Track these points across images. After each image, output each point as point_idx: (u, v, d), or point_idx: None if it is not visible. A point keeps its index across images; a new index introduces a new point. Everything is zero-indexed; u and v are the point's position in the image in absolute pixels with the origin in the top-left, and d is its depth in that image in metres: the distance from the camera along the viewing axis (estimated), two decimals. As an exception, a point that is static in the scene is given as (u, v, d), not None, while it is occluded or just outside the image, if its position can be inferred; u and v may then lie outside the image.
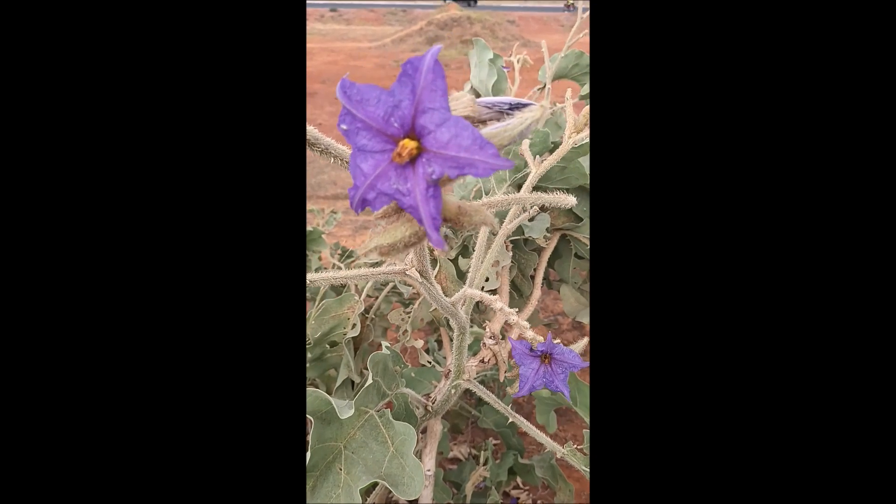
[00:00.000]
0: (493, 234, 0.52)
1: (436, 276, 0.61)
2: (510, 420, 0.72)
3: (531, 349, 0.30)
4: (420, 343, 0.64)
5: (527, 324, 0.30)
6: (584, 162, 0.58)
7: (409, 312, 0.67)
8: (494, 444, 1.01)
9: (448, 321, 0.61)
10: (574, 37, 0.69)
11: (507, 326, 0.62)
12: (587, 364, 0.31)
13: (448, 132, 0.14)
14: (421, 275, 0.31)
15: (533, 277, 0.63)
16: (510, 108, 0.18)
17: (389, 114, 0.15)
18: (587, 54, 0.76)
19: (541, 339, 0.30)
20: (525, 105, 0.18)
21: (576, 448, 0.43)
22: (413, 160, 0.15)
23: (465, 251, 0.65)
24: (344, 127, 0.15)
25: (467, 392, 0.99)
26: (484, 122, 0.17)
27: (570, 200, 0.25)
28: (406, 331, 0.64)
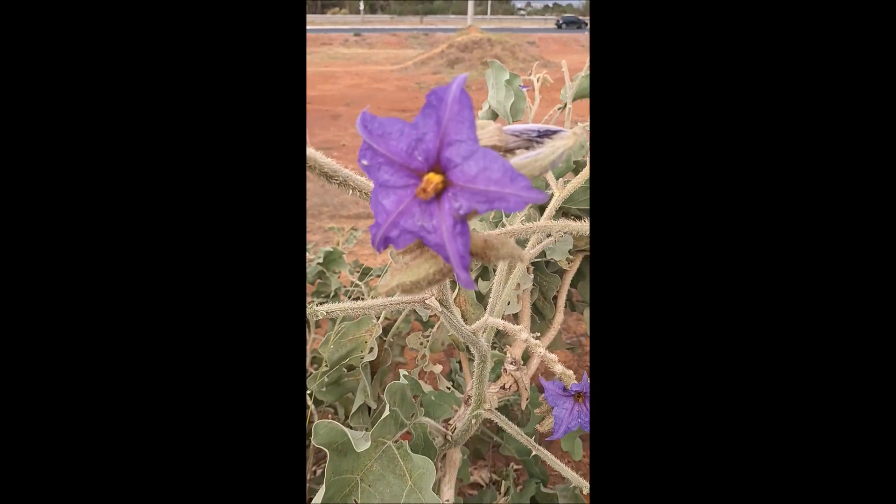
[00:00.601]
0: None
1: (455, 301, 0.60)
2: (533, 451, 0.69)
3: (564, 389, 0.28)
4: (439, 368, 0.62)
5: (554, 357, 0.29)
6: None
7: (428, 336, 0.65)
8: (516, 471, 0.98)
9: (468, 347, 0.59)
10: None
11: (529, 352, 0.61)
12: None
13: (476, 165, 0.13)
14: (440, 303, 0.30)
15: (555, 300, 0.61)
16: (539, 136, 0.17)
17: (413, 147, 0.14)
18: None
19: (572, 376, 0.28)
20: (554, 132, 0.17)
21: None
22: (438, 195, 0.14)
23: (485, 273, 0.64)
24: (365, 162, 0.14)
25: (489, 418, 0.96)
26: (512, 152, 0.16)
27: (586, 228, 0.24)
28: (424, 355, 0.63)
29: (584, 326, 0.68)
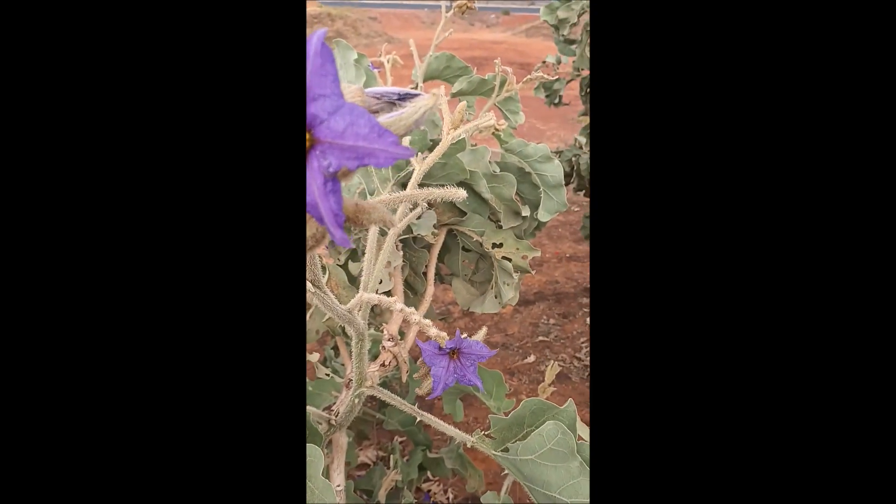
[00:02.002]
0: (383, 234, 0.51)
1: (327, 284, 0.59)
2: (418, 419, 0.71)
3: (440, 348, 0.29)
4: (316, 356, 0.61)
5: (429, 322, 0.30)
6: (463, 157, 0.60)
7: (301, 324, 0.63)
8: (401, 442, 1.00)
9: (343, 329, 0.58)
10: (440, 36, 0.70)
11: (405, 325, 0.62)
12: (494, 352, 0.31)
13: (343, 120, 0.13)
14: (313, 284, 0.29)
15: (425, 274, 0.63)
16: (399, 99, 0.17)
17: (272, 105, 0.13)
18: (458, 57, 0.78)
19: (446, 337, 0.30)
20: (413, 95, 0.17)
21: (483, 434, 0.44)
22: (305, 154, 0.14)
23: (354, 255, 0.63)
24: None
25: (370, 397, 0.97)
26: (375, 113, 0.16)
27: (461, 193, 0.25)
28: (299, 344, 0.61)
29: (452, 295, 0.71)
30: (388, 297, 0.38)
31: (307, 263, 0.28)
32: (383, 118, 0.16)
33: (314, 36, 0.13)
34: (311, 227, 0.15)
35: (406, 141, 0.43)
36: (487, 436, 0.44)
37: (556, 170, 0.64)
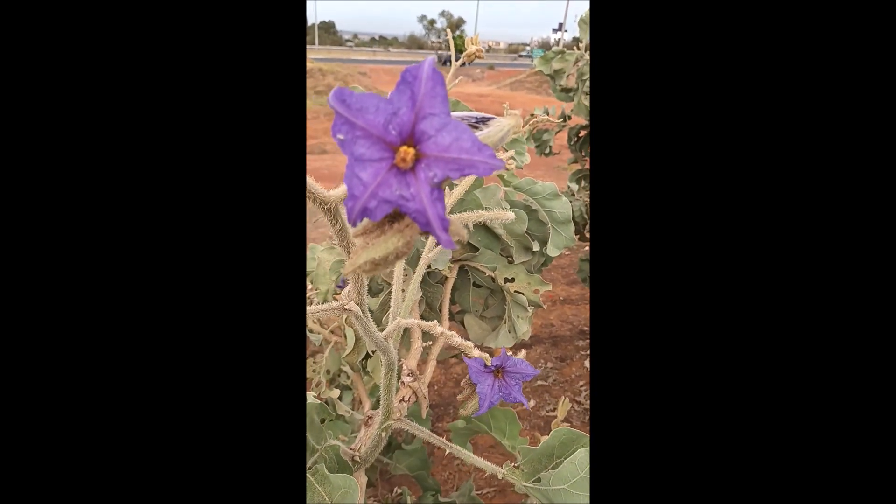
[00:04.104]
0: (406, 270, 0.52)
1: (346, 321, 0.59)
2: (425, 457, 0.69)
3: (485, 366, 0.30)
4: (336, 392, 0.60)
5: (471, 344, 0.30)
6: (480, 194, 0.62)
7: (318, 363, 0.63)
8: (410, 496, 0.97)
9: (364, 366, 0.58)
10: (451, 83, 0.74)
11: (420, 366, 0.62)
12: (539, 371, 0.32)
13: (450, 136, 0.15)
14: (360, 308, 0.30)
15: (440, 309, 0.63)
16: (477, 121, 0.19)
17: (388, 121, 0.15)
18: (462, 102, 0.82)
19: (488, 357, 0.30)
20: (489, 118, 0.19)
21: (513, 466, 0.44)
22: (413, 167, 0.15)
23: (369, 291, 0.64)
24: (340, 136, 0.14)
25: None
26: (463, 133, 0.18)
27: (510, 215, 0.26)
28: (320, 382, 0.60)
29: (466, 332, 0.71)
30: (428, 321, 0.38)
31: (355, 286, 0.29)
32: (478, 134, 0.18)
33: (426, 62, 0.15)
34: (403, 238, 0.16)
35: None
36: (516, 467, 0.44)
37: (564, 206, 0.66)
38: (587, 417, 2.00)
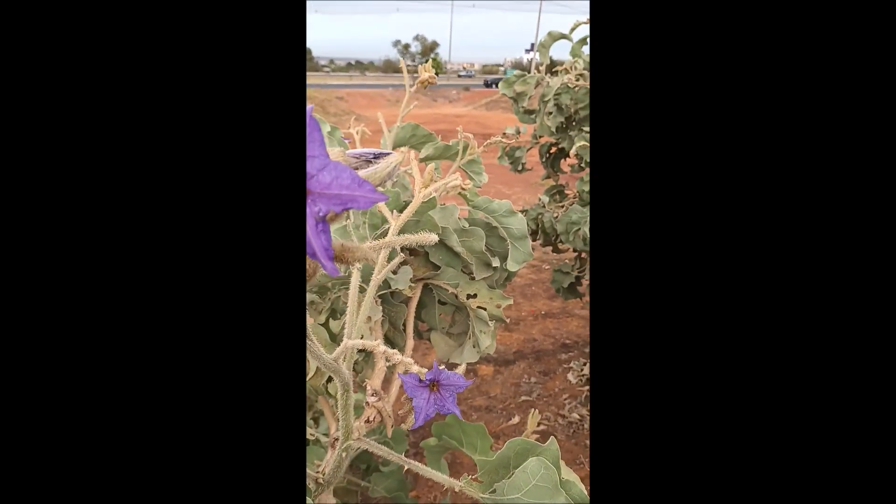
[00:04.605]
0: (362, 290, 0.53)
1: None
2: (403, 478, 0.69)
3: (420, 380, 0.31)
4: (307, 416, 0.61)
5: (411, 360, 0.32)
6: (435, 215, 0.64)
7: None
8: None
9: (326, 387, 0.59)
10: (406, 108, 0.77)
11: (386, 383, 0.63)
12: (470, 382, 0.33)
13: (329, 175, 0.17)
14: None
15: (405, 328, 0.65)
16: (374, 157, 0.21)
17: (275, 164, 0.17)
18: (421, 126, 0.85)
19: (423, 371, 0.32)
20: (385, 154, 0.21)
21: (471, 479, 0.45)
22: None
23: (335, 314, 0.65)
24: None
25: (353, 465, 0.94)
26: (355, 169, 0.20)
27: (433, 237, 0.28)
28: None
29: (434, 352, 0.73)
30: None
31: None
32: (362, 172, 0.20)
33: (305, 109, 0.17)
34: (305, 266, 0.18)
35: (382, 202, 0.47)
36: (475, 479, 0.45)
37: (520, 223, 0.69)
38: (571, 431, 2.01)
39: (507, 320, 0.73)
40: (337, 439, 0.52)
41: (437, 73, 0.74)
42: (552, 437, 0.46)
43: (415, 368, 0.31)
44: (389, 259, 0.50)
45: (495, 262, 0.70)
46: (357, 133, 0.88)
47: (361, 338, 0.60)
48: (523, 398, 2.20)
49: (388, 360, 0.31)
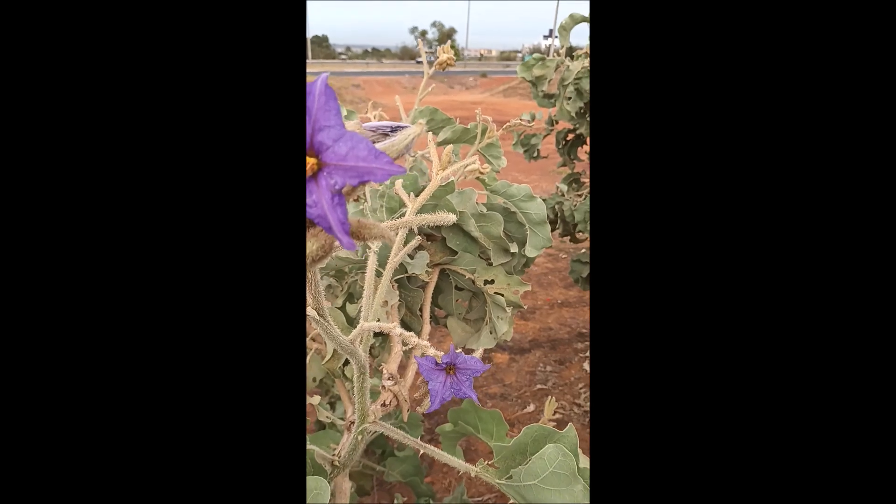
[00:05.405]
0: (379, 274, 0.53)
1: (324, 327, 0.60)
2: (418, 463, 0.69)
3: (436, 363, 0.31)
4: (317, 399, 0.61)
5: (427, 343, 0.31)
6: (452, 199, 0.63)
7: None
8: (403, 500, 0.98)
9: (343, 370, 0.59)
10: (423, 92, 0.76)
11: (401, 370, 0.63)
12: (488, 366, 0.33)
13: (346, 145, 0.16)
14: (317, 312, 0.31)
15: (421, 313, 0.64)
16: (391, 130, 0.20)
17: (289, 133, 0.16)
18: (440, 110, 0.84)
19: (440, 354, 0.32)
20: (403, 127, 0.20)
21: (487, 464, 0.44)
22: (315, 175, 0.16)
23: (351, 298, 0.65)
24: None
25: (369, 450, 0.95)
26: (373, 142, 0.19)
27: (450, 217, 0.28)
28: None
29: (451, 337, 0.72)
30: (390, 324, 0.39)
31: (310, 290, 0.30)
32: (379, 145, 0.19)
33: (319, 79, 0.16)
34: (318, 242, 0.18)
35: (399, 185, 0.47)
36: (491, 465, 0.44)
37: (538, 207, 0.67)
38: (587, 420, 2.00)
39: (525, 307, 0.72)
40: (353, 422, 0.53)
41: (455, 59, 0.73)
42: (569, 424, 0.45)
43: (431, 351, 0.30)
44: (406, 242, 0.49)
45: (513, 248, 0.69)
46: (374, 118, 0.87)
47: (378, 321, 0.60)
48: (538, 386, 2.20)
49: (404, 343, 0.31)
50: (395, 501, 0.81)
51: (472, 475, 0.44)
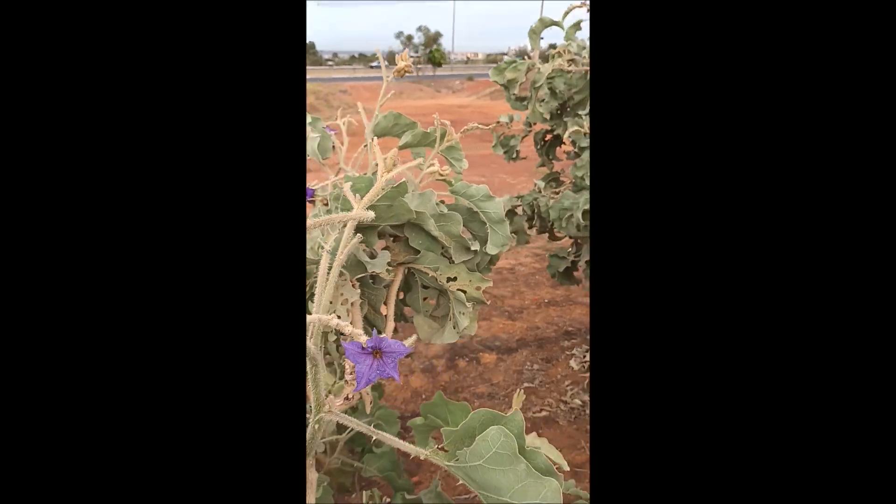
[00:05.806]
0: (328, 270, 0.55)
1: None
2: (395, 458, 0.71)
3: (362, 348, 0.34)
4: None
5: (359, 331, 0.34)
6: (412, 200, 0.66)
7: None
8: (379, 487, 0.99)
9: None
10: (383, 98, 0.78)
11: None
12: (411, 349, 0.35)
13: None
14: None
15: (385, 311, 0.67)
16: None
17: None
18: (403, 115, 0.86)
19: (363, 335, 0.34)
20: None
21: (437, 448, 0.47)
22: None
23: (313, 298, 0.67)
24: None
25: (348, 447, 0.97)
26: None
27: (369, 214, 0.30)
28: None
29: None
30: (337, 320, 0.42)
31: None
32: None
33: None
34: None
35: (348, 187, 0.49)
36: (441, 448, 0.47)
37: (496, 207, 0.70)
38: (573, 416, 2.03)
39: (488, 303, 0.74)
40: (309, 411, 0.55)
41: (440, 65, 0.76)
42: (517, 409, 0.48)
43: (347, 330, 0.33)
44: (370, 244, 0.52)
45: (474, 246, 0.71)
46: (343, 124, 0.89)
47: (338, 317, 0.62)
48: (526, 385, 2.22)
49: (340, 332, 0.33)
50: (366, 499, 0.83)
51: (422, 458, 0.46)
